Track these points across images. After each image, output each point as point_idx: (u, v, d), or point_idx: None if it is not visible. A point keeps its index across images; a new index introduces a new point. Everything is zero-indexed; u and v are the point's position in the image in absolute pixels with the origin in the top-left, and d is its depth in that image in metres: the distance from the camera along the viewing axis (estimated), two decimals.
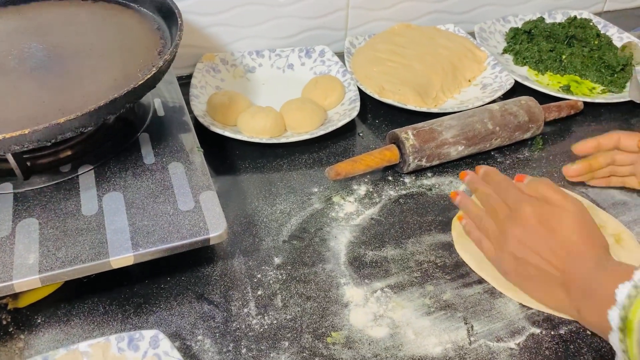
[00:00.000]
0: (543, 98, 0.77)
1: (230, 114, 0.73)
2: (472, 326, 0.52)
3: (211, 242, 0.50)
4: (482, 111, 0.70)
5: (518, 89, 0.81)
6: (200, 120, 0.70)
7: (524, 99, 0.72)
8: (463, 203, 0.58)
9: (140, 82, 0.50)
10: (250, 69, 0.85)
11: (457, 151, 0.67)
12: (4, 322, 0.51)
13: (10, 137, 0.44)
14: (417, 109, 0.74)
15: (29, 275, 0.45)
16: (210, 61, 0.82)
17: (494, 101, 0.76)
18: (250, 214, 0.63)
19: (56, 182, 0.54)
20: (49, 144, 0.47)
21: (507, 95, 0.79)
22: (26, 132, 0.45)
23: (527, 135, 0.72)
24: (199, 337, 0.51)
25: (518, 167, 0.70)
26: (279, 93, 0.80)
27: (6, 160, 0.55)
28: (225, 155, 0.71)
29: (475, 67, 0.85)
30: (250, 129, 0.70)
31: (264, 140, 0.70)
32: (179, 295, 0.54)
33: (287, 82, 0.83)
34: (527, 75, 0.86)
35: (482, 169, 0.59)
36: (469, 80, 0.84)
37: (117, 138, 0.59)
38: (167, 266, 0.56)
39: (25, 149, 0.47)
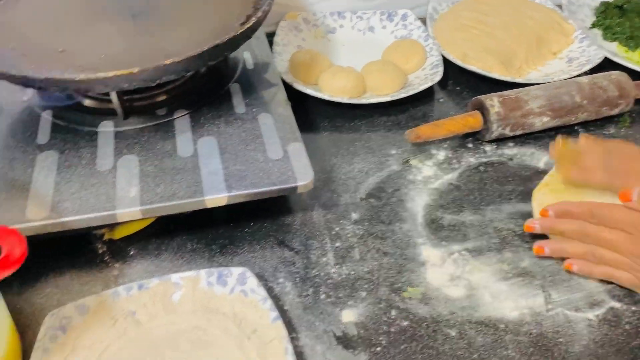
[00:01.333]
0: (633, 76, 0.74)
1: (312, 73, 0.74)
2: (549, 294, 0.52)
3: (298, 191, 0.51)
4: (570, 83, 0.68)
5: (606, 66, 0.78)
6: (283, 77, 0.71)
7: (615, 74, 0.70)
8: (557, 249, 0.54)
9: (240, 31, 0.51)
10: (331, 30, 0.85)
11: (541, 122, 0.66)
12: (100, 251, 0.55)
13: (120, 75, 0.47)
14: (501, 78, 0.73)
15: (131, 207, 0.48)
16: (293, 20, 0.83)
17: (579, 75, 0.74)
18: (329, 171, 0.64)
19: (153, 123, 0.56)
20: (153, 84, 0.50)
21: (594, 71, 0.76)
22: (135, 71, 0.47)
23: (615, 112, 0.70)
24: (281, 280, 0.53)
25: None
26: (359, 55, 0.80)
27: (108, 101, 0.58)
28: (305, 113, 0.72)
29: (562, 40, 0.82)
30: (331, 88, 0.71)
31: (344, 100, 0.70)
32: (261, 240, 0.56)
33: (367, 45, 0.83)
34: (617, 52, 0.83)
35: (553, 209, 0.54)
36: (554, 53, 0.82)
37: (209, 87, 0.61)
38: (250, 213, 0.58)
39: (132, 87, 0.49)
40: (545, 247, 0.54)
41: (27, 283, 0.52)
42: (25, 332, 0.48)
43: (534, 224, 0.55)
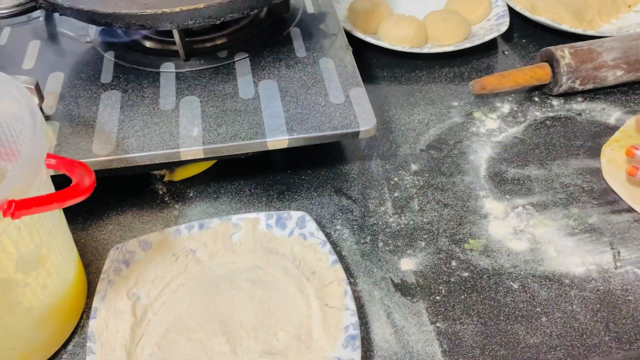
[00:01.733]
0: None
1: (372, 21, 0.72)
2: (618, 252, 0.50)
3: (360, 136, 0.50)
4: None
5: None
6: (342, 25, 0.69)
7: None
8: None
9: None
10: None
11: (614, 76, 0.62)
12: (160, 192, 0.55)
13: (186, 10, 0.46)
14: (572, 29, 0.69)
15: (193, 146, 0.48)
16: None
17: None
18: (388, 121, 0.63)
19: (214, 65, 0.56)
20: (218, 22, 0.49)
21: None
22: (201, 6, 0.46)
23: None
24: (338, 227, 0.52)
25: None
26: (421, 4, 0.77)
27: (169, 42, 0.57)
28: (363, 62, 0.70)
29: None
30: (392, 37, 0.69)
31: (405, 49, 0.68)
32: (319, 187, 0.56)
33: None
34: None
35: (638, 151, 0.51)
36: (629, 6, 0.77)
37: (269, 31, 0.60)
38: (308, 160, 0.58)
39: (197, 24, 0.48)
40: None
41: (91, 220, 0.53)
42: (90, 265, 0.50)
43: (638, 171, 0.52)
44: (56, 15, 0.59)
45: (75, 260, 0.45)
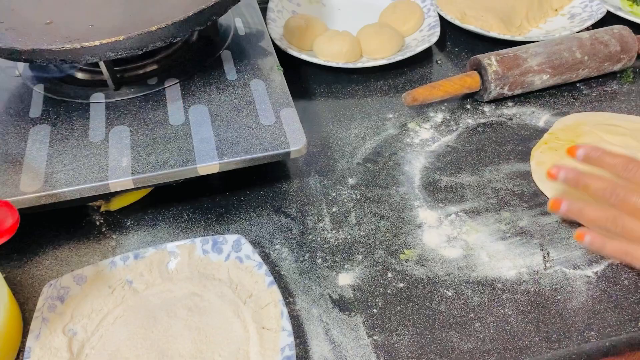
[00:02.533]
0: (636, 30, 0.72)
1: (307, 38, 0.73)
2: (548, 253, 0.51)
3: (292, 156, 0.51)
4: (570, 39, 0.66)
5: (609, 20, 0.76)
6: (277, 43, 0.70)
7: (617, 28, 0.68)
8: (574, 209, 0.49)
9: None
10: None
11: (541, 80, 0.65)
12: (97, 223, 0.55)
13: (106, 43, 0.46)
14: (501, 36, 0.71)
15: (122, 177, 0.48)
16: None
17: (582, 32, 0.72)
18: (325, 137, 0.64)
19: (144, 93, 0.56)
20: (141, 52, 0.49)
21: (596, 26, 0.74)
22: (121, 38, 0.46)
23: (617, 67, 0.68)
24: (277, 246, 0.53)
25: (605, 101, 0.67)
26: (355, 19, 0.79)
27: (98, 72, 0.57)
28: (300, 79, 0.71)
29: None
30: (327, 53, 0.70)
31: (340, 65, 0.69)
32: (257, 208, 0.56)
33: (363, 8, 0.82)
34: (620, 6, 0.80)
35: (581, 151, 0.48)
36: (556, 10, 0.79)
37: (200, 55, 0.61)
38: (246, 180, 0.58)
39: (119, 56, 0.48)
40: (564, 203, 0.50)
41: (27, 255, 0.52)
42: (26, 303, 0.49)
43: (559, 171, 0.50)
44: None
45: (6, 302, 0.45)
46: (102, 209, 0.56)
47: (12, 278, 0.50)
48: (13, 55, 0.48)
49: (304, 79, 0.71)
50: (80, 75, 0.59)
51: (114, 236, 0.54)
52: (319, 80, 0.71)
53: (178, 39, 0.50)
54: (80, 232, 0.54)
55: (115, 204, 0.56)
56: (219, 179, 0.58)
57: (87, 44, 0.46)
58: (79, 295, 0.47)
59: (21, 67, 0.60)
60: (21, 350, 0.46)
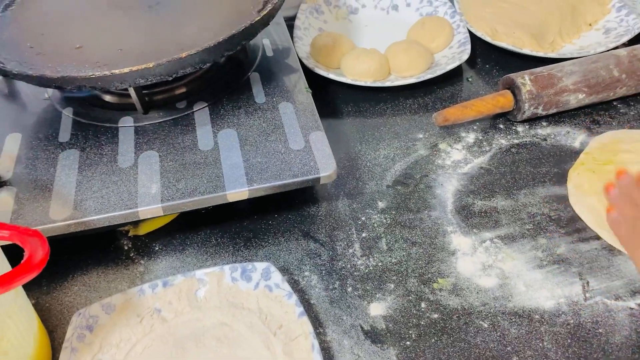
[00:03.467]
0: None
1: (334, 56, 0.72)
2: (587, 282, 0.50)
3: (321, 182, 0.50)
4: (607, 57, 0.64)
5: None
6: (304, 62, 0.69)
7: None
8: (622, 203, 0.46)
9: (257, 19, 0.50)
10: (353, 11, 0.83)
11: (577, 99, 0.63)
12: (126, 248, 0.55)
13: (136, 70, 0.46)
14: (533, 53, 0.70)
15: (152, 204, 0.48)
16: (313, 2, 0.81)
17: (617, 47, 0.70)
18: (354, 158, 0.63)
19: (173, 117, 0.56)
20: (170, 78, 0.49)
21: (633, 42, 0.72)
22: (150, 65, 0.46)
23: None
24: (306, 273, 0.52)
25: None
26: (383, 35, 0.78)
27: (127, 96, 0.57)
28: (328, 98, 0.70)
29: (598, 10, 0.78)
30: (354, 71, 0.69)
31: (368, 84, 0.68)
32: (286, 232, 0.55)
33: (391, 24, 0.80)
34: None
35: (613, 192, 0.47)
36: (590, 24, 0.77)
37: (229, 77, 0.60)
38: (274, 204, 0.57)
39: (149, 82, 0.48)
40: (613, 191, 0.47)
41: (55, 282, 0.52)
42: (55, 330, 0.49)
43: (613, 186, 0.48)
44: None
45: (36, 331, 0.44)
46: (130, 234, 0.55)
47: (40, 305, 0.50)
48: (43, 82, 0.48)
49: (331, 97, 0.70)
50: (108, 98, 0.59)
51: (142, 261, 0.54)
52: (347, 99, 0.70)
53: (207, 64, 0.49)
54: (108, 257, 0.54)
55: (144, 229, 0.55)
56: (247, 203, 0.57)
57: (116, 72, 0.46)
58: (107, 324, 0.47)
59: (50, 90, 0.60)
60: None
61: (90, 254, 0.54)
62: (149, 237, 0.55)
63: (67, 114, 0.57)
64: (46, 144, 0.54)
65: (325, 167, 0.50)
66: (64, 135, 0.55)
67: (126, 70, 0.46)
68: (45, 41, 0.54)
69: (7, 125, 0.56)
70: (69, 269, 0.53)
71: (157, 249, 0.55)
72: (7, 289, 0.34)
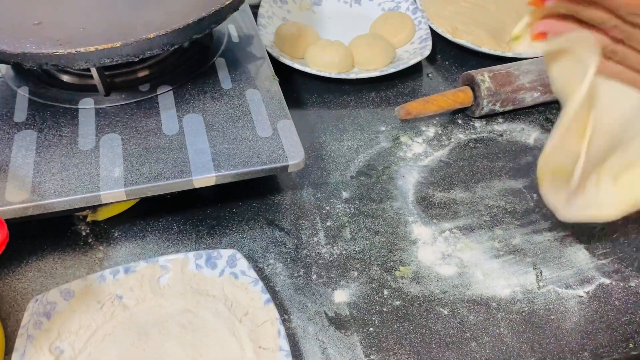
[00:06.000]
0: None
1: (299, 46, 0.72)
2: (541, 272, 0.52)
3: (290, 170, 0.50)
4: None
5: None
6: (269, 50, 0.69)
7: None
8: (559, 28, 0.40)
9: (227, 3, 0.49)
10: (316, 2, 0.83)
11: (532, 97, 0.65)
12: (84, 233, 0.53)
13: (102, 49, 0.44)
14: (491, 52, 0.72)
15: (115, 188, 0.46)
16: None
17: None
18: (318, 148, 0.63)
19: (136, 100, 0.54)
20: (137, 59, 0.47)
21: None
22: (118, 45, 0.45)
23: None
24: (271, 261, 0.52)
25: None
26: (346, 28, 0.78)
27: (87, 76, 0.55)
28: (291, 88, 0.70)
29: None
30: (319, 62, 0.69)
31: (332, 75, 0.69)
32: (250, 220, 0.55)
33: (354, 17, 0.81)
34: None
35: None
36: None
37: (193, 61, 0.59)
38: (237, 192, 0.57)
39: (114, 62, 0.47)
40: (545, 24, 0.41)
41: (8, 267, 0.50)
42: (8, 318, 0.47)
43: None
44: None
45: None
46: (88, 219, 0.54)
47: None
48: (2, 58, 0.46)
49: (295, 87, 0.70)
50: (66, 78, 0.57)
51: (101, 247, 0.52)
52: (310, 89, 0.70)
53: (175, 46, 0.49)
54: (65, 242, 0.52)
55: (102, 214, 0.54)
56: (211, 190, 0.57)
57: (82, 50, 0.44)
58: (66, 311, 0.45)
59: (4, 67, 0.58)
60: None
61: (45, 239, 0.52)
62: (108, 222, 0.54)
63: (23, 93, 0.55)
64: (0, 124, 0.51)
65: (294, 156, 0.50)
66: (20, 115, 0.53)
67: (92, 48, 0.44)
68: (2, 16, 0.51)
69: None
70: (23, 254, 0.51)
71: (116, 235, 0.53)
72: None
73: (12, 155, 0.49)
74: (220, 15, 0.50)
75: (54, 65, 0.46)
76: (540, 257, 0.53)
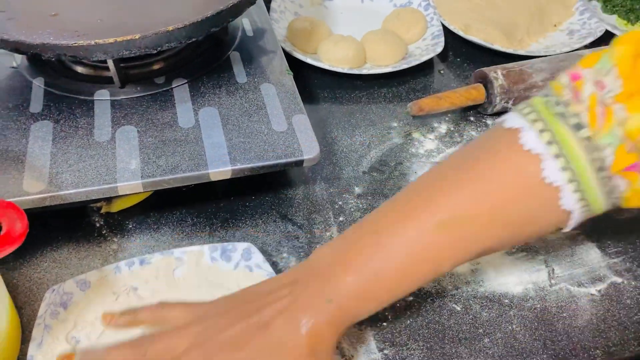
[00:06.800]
0: None
1: (311, 41, 0.72)
2: (553, 269, 0.52)
3: (305, 164, 0.50)
4: (573, 56, 0.67)
5: (606, 39, 0.77)
6: (282, 45, 0.69)
7: None
8: None
9: None
10: None
11: None
12: (97, 225, 0.53)
13: (121, 41, 0.45)
14: (504, 49, 0.72)
15: (132, 180, 0.46)
16: None
17: (581, 49, 0.73)
18: (330, 143, 0.63)
19: (152, 92, 0.54)
20: (155, 51, 0.47)
21: (595, 44, 0.75)
22: (137, 37, 0.45)
23: None
24: (284, 255, 0.52)
25: None
26: (357, 23, 0.78)
27: (102, 68, 0.55)
28: (304, 82, 0.70)
29: (563, 12, 0.81)
30: (332, 57, 0.69)
31: (345, 70, 0.69)
32: (263, 214, 0.55)
33: (365, 13, 0.81)
34: (616, 25, 0.82)
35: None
36: (555, 25, 0.80)
37: (208, 54, 0.59)
38: (251, 186, 0.57)
39: (132, 54, 0.47)
40: None
41: (23, 258, 0.50)
42: (23, 307, 0.47)
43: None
44: None
45: (8, 309, 0.43)
46: (102, 211, 0.54)
47: (8, 281, 0.48)
48: (20, 48, 0.46)
49: (307, 82, 0.70)
50: (81, 69, 0.57)
51: (115, 239, 0.52)
52: (322, 84, 0.70)
53: (192, 39, 0.49)
54: (79, 234, 0.52)
55: (117, 206, 0.54)
56: (223, 183, 0.57)
57: (101, 41, 0.44)
58: (82, 302, 0.45)
59: (19, 58, 0.58)
60: (20, 358, 0.44)
61: (60, 230, 0.52)
62: (122, 214, 0.54)
63: (38, 84, 0.55)
64: (17, 114, 0.52)
65: (309, 150, 0.50)
66: (36, 106, 0.53)
67: (111, 40, 0.44)
68: (17, 6, 0.51)
69: None
70: (38, 245, 0.51)
71: (130, 227, 0.53)
72: None
73: (29, 146, 0.49)
74: (238, 8, 0.50)
75: (72, 57, 0.46)
76: (552, 254, 0.53)
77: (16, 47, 0.46)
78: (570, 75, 0.39)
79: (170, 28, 0.46)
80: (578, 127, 0.37)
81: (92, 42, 0.44)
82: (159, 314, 0.41)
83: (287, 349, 0.37)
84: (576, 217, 0.39)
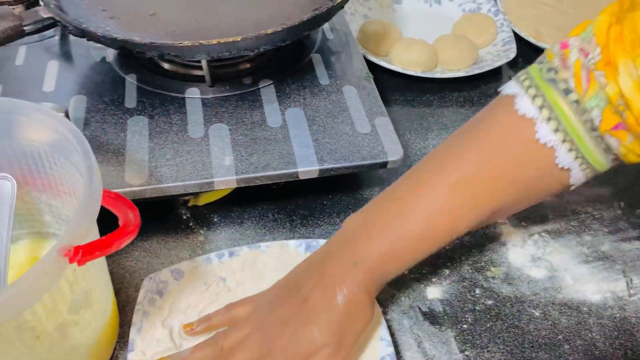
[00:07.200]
0: None
1: (383, 44, 0.73)
2: (631, 279, 0.52)
3: (389, 166, 0.52)
4: None
5: None
6: None
7: None
8: None
9: (338, 1, 0.51)
10: (397, 0, 0.84)
11: None
12: (185, 217, 0.55)
13: (224, 43, 0.46)
14: None
15: (227, 176, 0.48)
16: None
17: None
18: (404, 146, 0.63)
19: (240, 92, 0.56)
20: (252, 54, 0.49)
21: None
22: (238, 39, 0.47)
23: None
24: None
25: None
26: (426, 27, 0.79)
27: (193, 67, 0.57)
28: (375, 84, 0.71)
29: None
30: (405, 60, 0.70)
31: (418, 73, 0.70)
32: (341, 213, 0.57)
33: (434, 17, 0.82)
34: None
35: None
36: None
37: (291, 56, 0.61)
38: (327, 186, 0.58)
39: (231, 55, 0.49)
40: None
41: None
42: (118, 294, 0.49)
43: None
44: None
45: (112, 294, 0.45)
46: (190, 204, 0.56)
47: None
48: (126, 46, 0.48)
49: (379, 84, 0.71)
50: (171, 67, 0.59)
51: (201, 231, 0.54)
52: (392, 87, 0.71)
53: (287, 42, 0.50)
54: (167, 225, 0.55)
55: (203, 199, 0.56)
56: (302, 182, 0.59)
57: (205, 42, 0.46)
58: (176, 290, 0.48)
59: (110, 55, 0.60)
60: (118, 340, 0.46)
61: (149, 221, 0.54)
62: (207, 208, 0.56)
63: (131, 80, 0.57)
64: (113, 109, 0.54)
65: (393, 153, 0.51)
66: (130, 101, 0.55)
67: (214, 41, 0.46)
68: (118, 5, 0.54)
69: (70, 88, 0.56)
70: None
71: (215, 220, 0.55)
72: (115, 248, 0.35)
73: (127, 140, 0.51)
74: (330, 12, 0.52)
75: (175, 56, 0.48)
76: (630, 265, 0.53)
77: (123, 46, 0.48)
78: (560, 43, 0.41)
79: (270, 31, 0.47)
80: (567, 91, 0.39)
81: (197, 43, 0.46)
82: (228, 315, 0.45)
83: (325, 316, 0.41)
84: (577, 175, 0.41)
